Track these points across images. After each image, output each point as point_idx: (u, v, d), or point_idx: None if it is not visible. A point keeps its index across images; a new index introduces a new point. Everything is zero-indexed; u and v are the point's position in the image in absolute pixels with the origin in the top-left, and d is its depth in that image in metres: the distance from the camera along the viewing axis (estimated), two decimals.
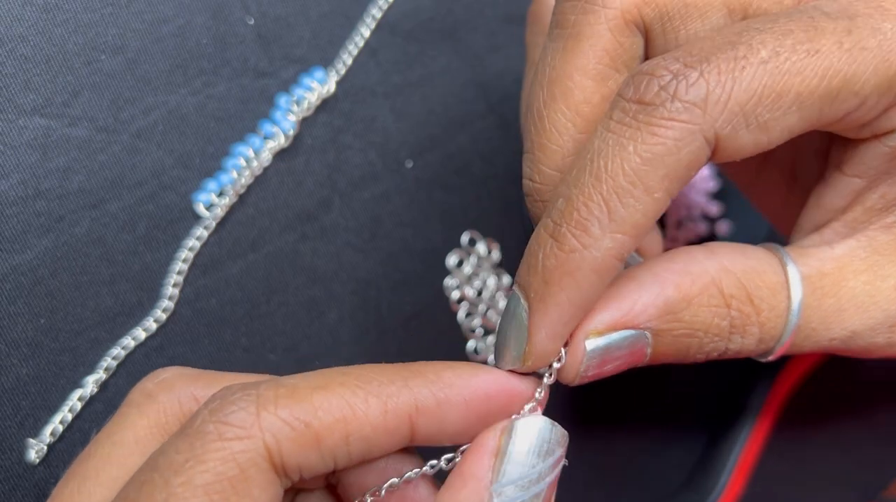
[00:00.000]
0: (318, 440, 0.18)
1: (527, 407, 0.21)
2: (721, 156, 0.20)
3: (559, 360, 0.21)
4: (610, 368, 0.22)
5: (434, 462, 0.21)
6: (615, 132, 0.19)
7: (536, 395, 0.21)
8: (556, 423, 0.20)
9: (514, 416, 0.21)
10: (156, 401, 0.21)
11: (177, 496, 0.17)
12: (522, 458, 0.20)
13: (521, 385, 0.21)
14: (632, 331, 0.21)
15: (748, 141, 0.20)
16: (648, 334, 0.21)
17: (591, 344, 0.20)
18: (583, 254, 0.19)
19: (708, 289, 0.21)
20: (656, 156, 0.19)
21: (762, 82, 0.19)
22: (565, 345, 0.21)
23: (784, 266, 0.22)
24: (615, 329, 0.21)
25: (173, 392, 0.21)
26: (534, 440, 0.20)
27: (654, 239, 0.29)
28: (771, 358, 0.23)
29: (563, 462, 0.21)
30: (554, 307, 0.20)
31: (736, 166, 0.28)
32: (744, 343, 0.22)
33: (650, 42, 0.22)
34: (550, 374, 0.21)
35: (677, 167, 0.19)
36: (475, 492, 0.20)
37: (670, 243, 0.39)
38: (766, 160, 0.27)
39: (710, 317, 0.21)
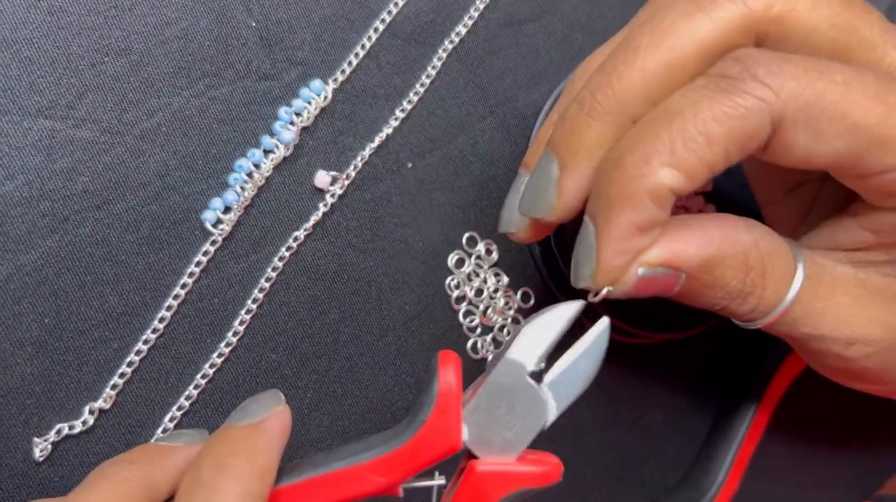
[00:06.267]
0: None
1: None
2: (771, 153, 0.23)
3: (597, 294, 0.25)
4: (645, 292, 0.26)
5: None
6: (695, 92, 0.23)
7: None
8: None
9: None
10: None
11: None
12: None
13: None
14: (672, 271, 0.25)
15: (800, 143, 0.23)
16: (683, 276, 0.25)
17: (643, 271, 0.25)
18: (641, 182, 0.23)
19: (738, 256, 0.25)
20: (725, 116, 0.22)
21: (832, 97, 0.22)
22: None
23: (796, 261, 0.26)
24: (662, 265, 0.25)
25: None
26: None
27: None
28: (752, 327, 0.28)
29: None
30: (616, 227, 0.23)
31: (769, 183, 0.31)
32: (742, 307, 0.26)
33: None
34: (596, 294, 0.25)
35: (740, 132, 0.22)
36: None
37: None
38: (797, 188, 0.30)
39: (731, 278, 0.25)
